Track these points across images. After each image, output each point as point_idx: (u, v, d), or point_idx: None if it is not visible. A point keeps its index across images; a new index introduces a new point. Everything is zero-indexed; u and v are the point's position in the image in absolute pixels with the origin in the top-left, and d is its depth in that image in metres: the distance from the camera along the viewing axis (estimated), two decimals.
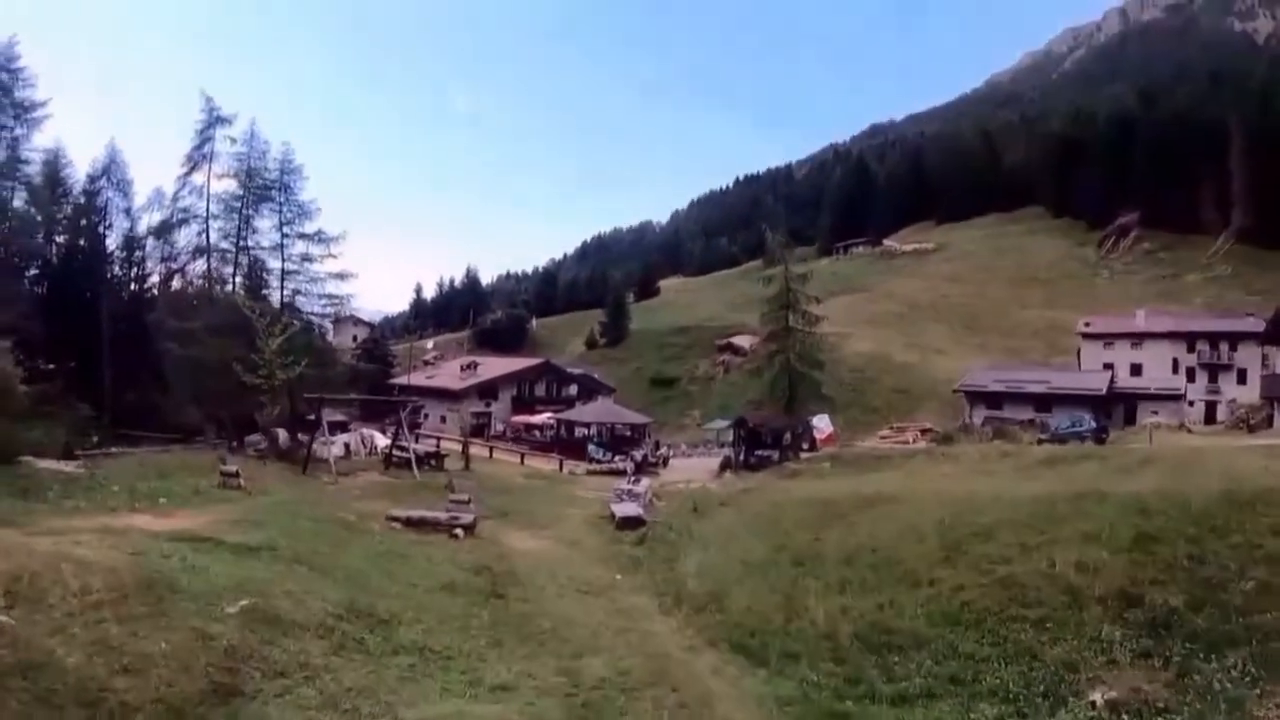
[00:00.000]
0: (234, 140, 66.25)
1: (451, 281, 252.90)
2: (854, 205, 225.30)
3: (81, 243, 70.25)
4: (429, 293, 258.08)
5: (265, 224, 67.68)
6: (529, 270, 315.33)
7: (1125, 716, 15.66)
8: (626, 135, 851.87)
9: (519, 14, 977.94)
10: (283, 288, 66.84)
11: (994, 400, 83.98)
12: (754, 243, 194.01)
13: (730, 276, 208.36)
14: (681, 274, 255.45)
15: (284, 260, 66.52)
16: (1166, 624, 17.96)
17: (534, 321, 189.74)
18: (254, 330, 54.28)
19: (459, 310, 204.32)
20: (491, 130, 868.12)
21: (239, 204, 66.65)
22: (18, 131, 63.80)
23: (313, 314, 69.55)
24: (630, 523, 40.40)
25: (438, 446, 67.26)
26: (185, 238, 68.37)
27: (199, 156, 66.42)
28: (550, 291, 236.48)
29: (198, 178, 66.87)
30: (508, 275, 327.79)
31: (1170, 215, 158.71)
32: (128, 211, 71.82)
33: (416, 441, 68.42)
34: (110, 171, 71.02)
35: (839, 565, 25.27)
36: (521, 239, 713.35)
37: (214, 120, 65.92)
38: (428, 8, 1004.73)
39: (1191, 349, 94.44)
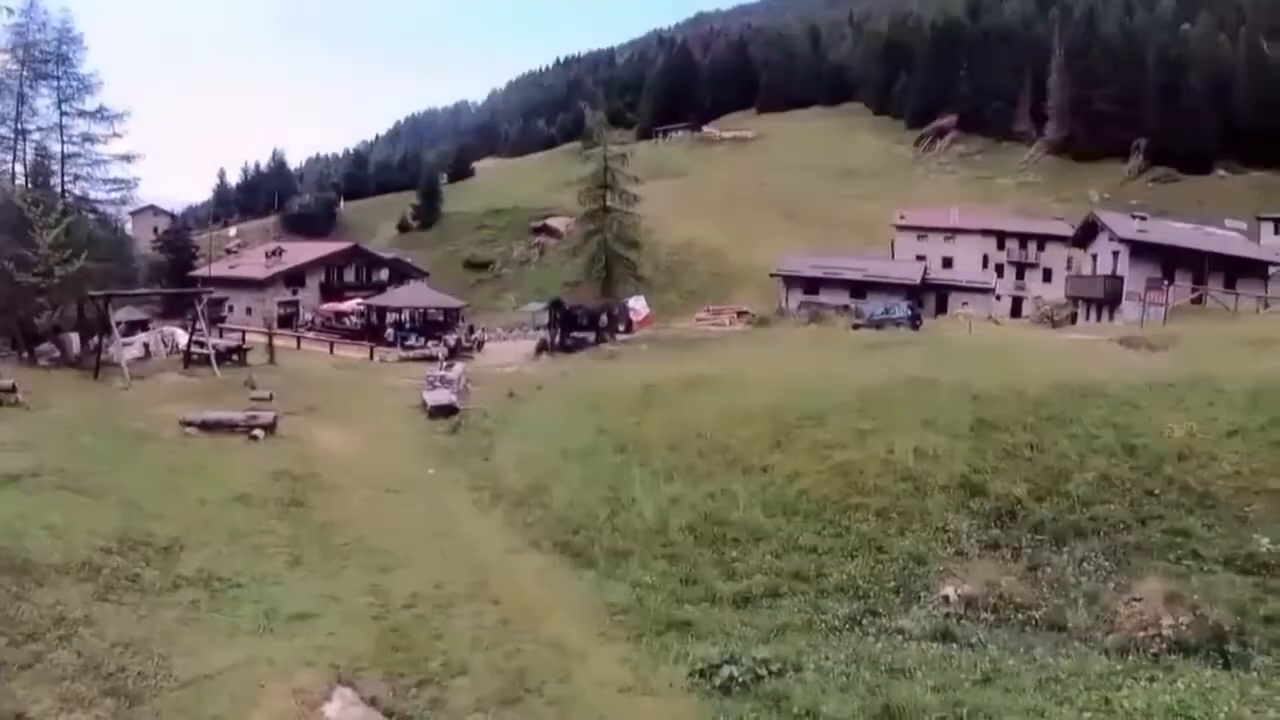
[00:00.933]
0: (11, 11, 59.70)
1: (257, 165, 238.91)
2: (676, 91, 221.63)
3: None
4: (234, 178, 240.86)
5: (45, 104, 60.92)
6: (340, 154, 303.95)
7: (983, 612, 15.00)
8: (443, 11, 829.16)
9: None
10: (63, 173, 61.02)
11: (810, 286, 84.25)
12: (572, 125, 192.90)
13: (548, 158, 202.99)
14: (498, 155, 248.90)
15: (64, 142, 60.78)
16: (1011, 514, 17.41)
17: (343, 204, 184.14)
18: (29, 223, 49.14)
19: (266, 196, 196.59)
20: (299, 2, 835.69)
21: (15, 82, 59.77)
22: None
23: (99, 201, 64.51)
24: (443, 411, 38.60)
25: (242, 340, 62.69)
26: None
27: (12, 54, 60.93)
28: (361, 174, 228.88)
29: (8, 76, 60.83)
30: (317, 158, 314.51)
31: (987, 122, 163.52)
32: None
33: (220, 336, 65.24)
34: None
35: (665, 451, 23.92)
36: (332, 121, 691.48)
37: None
38: None
39: (1001, 246, 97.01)
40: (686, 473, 22.12)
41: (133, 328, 63.53)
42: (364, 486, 26.09)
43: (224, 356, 53.66)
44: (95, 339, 49.82)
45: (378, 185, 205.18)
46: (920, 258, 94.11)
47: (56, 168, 61.65)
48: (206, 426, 31.95)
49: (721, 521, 18.98)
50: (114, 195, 65.01)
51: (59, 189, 60.45)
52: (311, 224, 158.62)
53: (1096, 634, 14.42)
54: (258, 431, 31.67)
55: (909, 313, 66.39)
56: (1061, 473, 18.55)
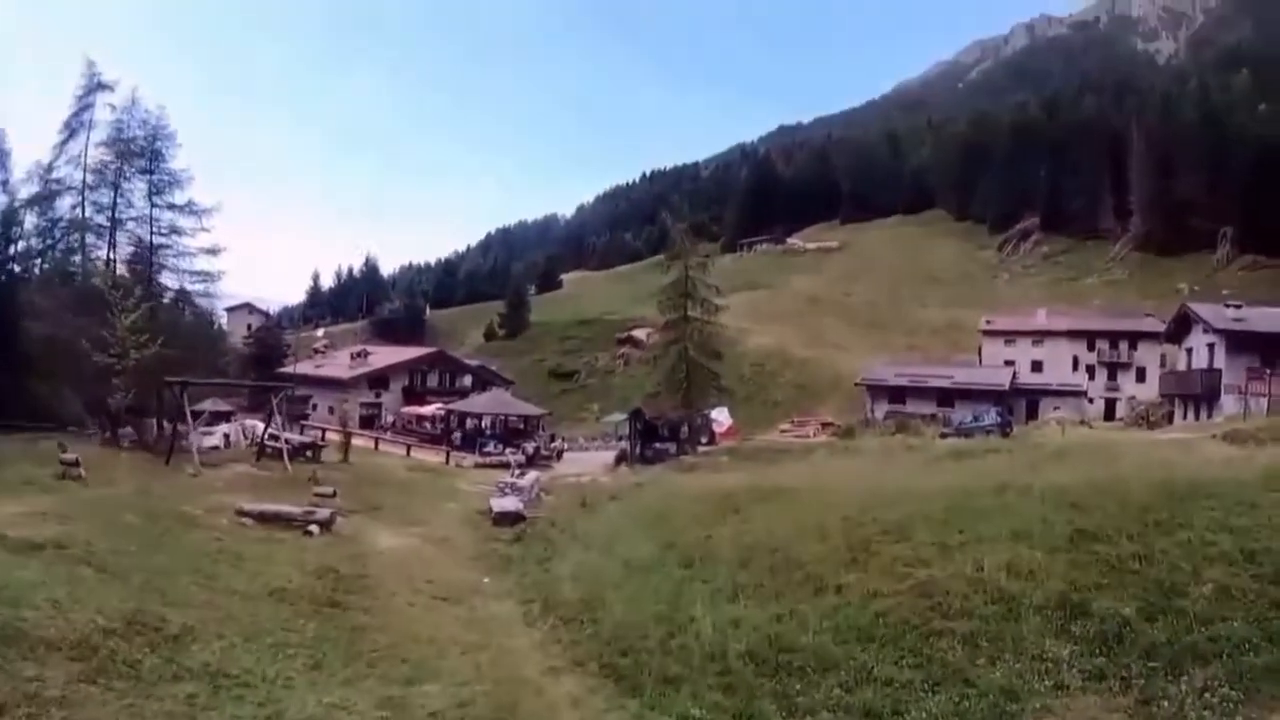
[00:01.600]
0: (114, 107, 63.89)
1: (350, 270, 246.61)
2: (759, 203, 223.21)
3: None
4: (327, 282, 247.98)
5: (139, 196, 64.08)
6: (431, 262, 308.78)
7: None
8: (536, 130, 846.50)
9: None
10: (151, 262, 62.98)
11: (896, 394, 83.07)
12: (658, 238, 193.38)
13: (633, 271, 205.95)
14: (585, 268, 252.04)
15: (153, 233, 62.83)
16: (1119, 637, 14.91)
17: (431, 312, 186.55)
18: (109, 306, 49.63)
19: (357, 300, 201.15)
20: (403, 124, 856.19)
21: (114, 175, 63.56)
22: None
23: (183, 291, 65.55)
24: (507, 518, 37.32)
25: (321, 438, 63.10)
26: (60, 211, 66.21)
27: (77, 124, 64.86)
28: (451, 282, 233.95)
29: (74, 146, 64.77)
30: (409, 266, 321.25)
31: (1070, 221, 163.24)
32: (4, 184, 66.55)
33: (301, 433, 65.00)
34: None
35: (732, 567, 22.03)
36: (426, 232, 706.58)
37: (94, 86, 64.61)
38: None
39: (1091, 347, 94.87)
40: (753, 591, 20.10)
41: (216, 418, 64.23)
42: (411, 591, 24.68)
43: (298, 452, 53.55)
44: (170, 425, 50.06)
45: (467, 294, 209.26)
46: (1008, 363, 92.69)
47: (146, 256, 63.03)
48: (263, 519, 31.28)
49: (787, 648, 16.73)
50: (198, 286, 66.77)
51: (145, 277, 61.22)
52: (399, 329, 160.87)
53: None
54: (313, 527, 30.72)
55: (998, 419, 64.48)
56: (1174, 587, 16.18)
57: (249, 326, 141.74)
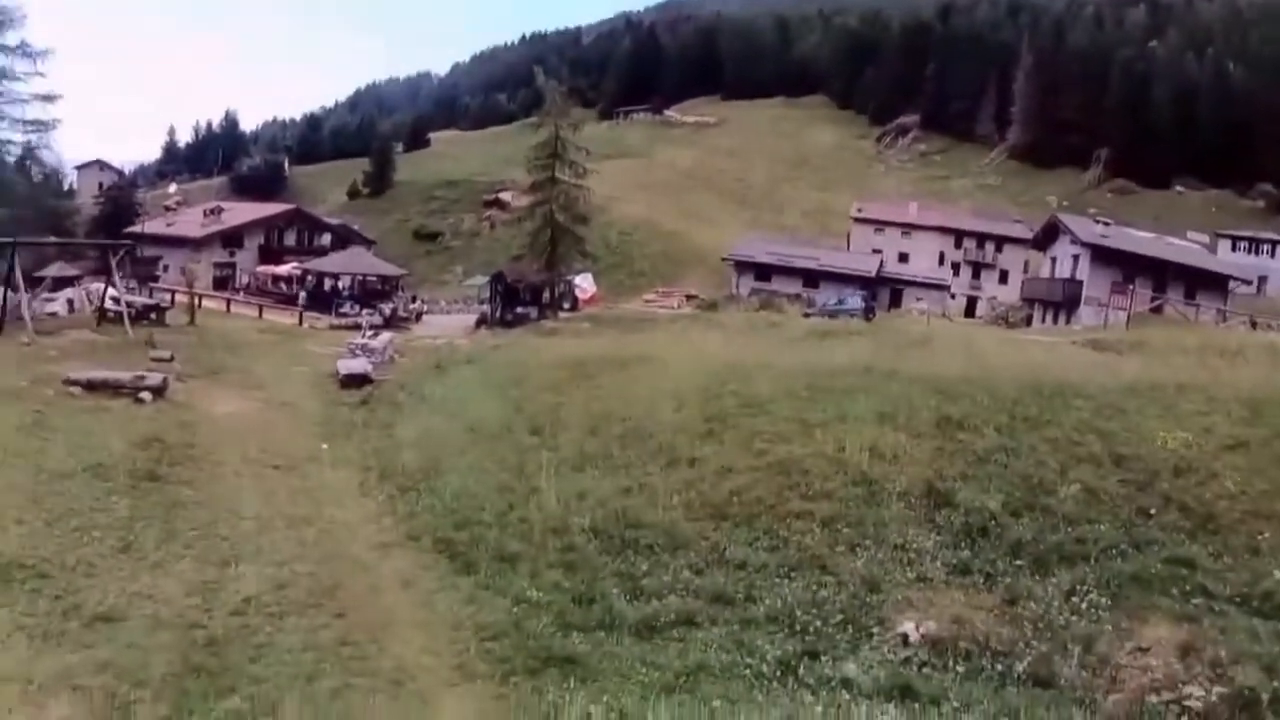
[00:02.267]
0: None
1: (209, 124, 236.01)
2: (640, 74, 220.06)
3: None
4: (184, 137, 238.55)
5: None
6: (296, 118, 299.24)
7: (951, 659, 11.91)
8: None
9: None
10: None
11: (763, 272, 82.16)
12: (534, 101, 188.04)
13: (506, 132, 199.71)
14: (456, 128, 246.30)
15: None
16: (984, 531, 14.25)
17: (293, 169, 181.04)
18: None
19: (216, 157, 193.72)
20: None
21: None
22: None
23: (12, 142, 61.32)
24: (355, 380, 35.31)
25: (171, 300, 60.51)
26: None
27: None
28: (315, 138, 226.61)
29: None
30: (274, 121, 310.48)
31: (950, 122, 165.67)
32: None
33: (150, 295, 62.30)
34: None
35: (582, 435, 20.94)
36: (292, 87, 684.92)
37: None
38: None
39: (959, 245, 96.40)
40: (602, 461, 19.01)
41: (60, 284, 61.95)
42: (242, 461, 22.98)
43: (141, 315, 50.13)
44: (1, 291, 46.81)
45: (332, 151, 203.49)
46: (876, 251, 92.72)
47: None
48: (91, 386, 28.83)
49: (635, 523, 15.65)
50: (32, 136, 61.20)
51: None
52: (259, 186, 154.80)
53: (1095, 693, 11.31)
54: (144, 394, 28.45)
55: (862, 304, 64.38)
56: (1041, 484, 15.62)
57: (100, 185, 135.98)
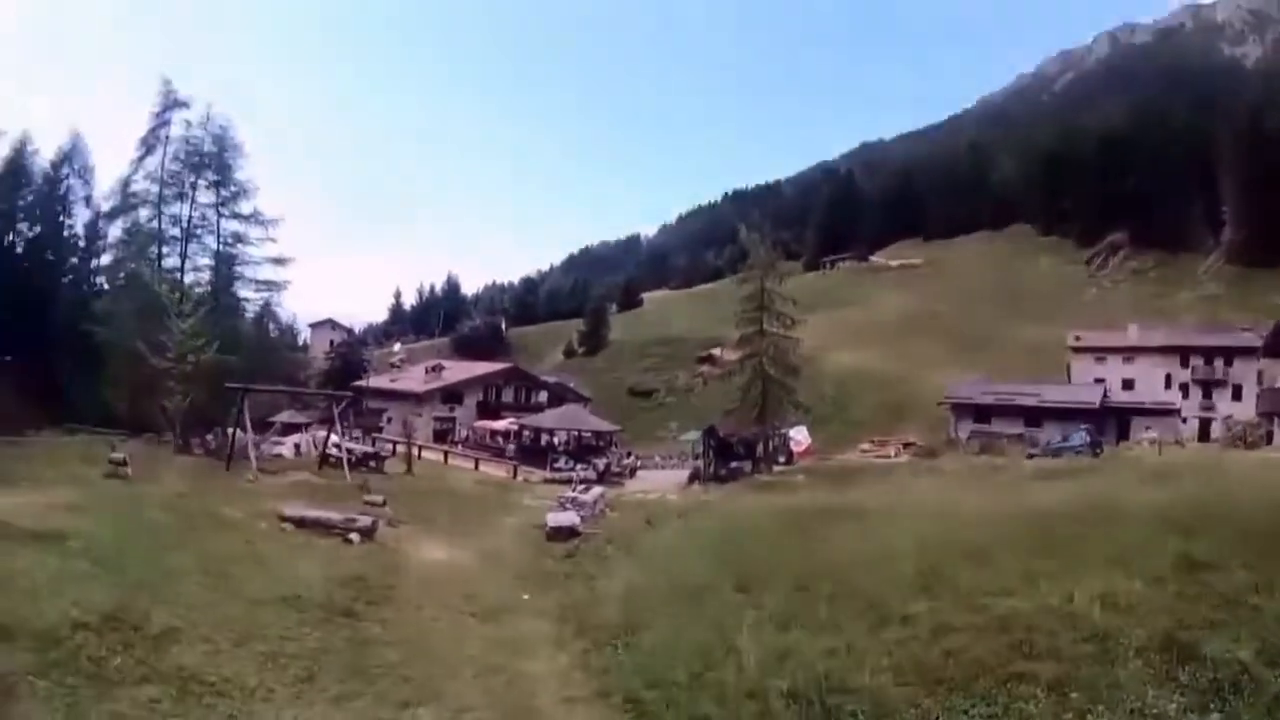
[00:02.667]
0: (189, 123, 66.16)
1: (432, 288, 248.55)
2: (841, 221, 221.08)
3: (40, 231, 72.58)
4: (409, 300, 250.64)
5: (208, 207, 66.94)
6: (514, 281, 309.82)
7: None
8: (620, 148, 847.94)
9: (514, 23, 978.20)
10: (216, 270, 66.21)
11: (982, 414, 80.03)
12: (739, 256, 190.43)
13: (714, 290, 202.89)
14: (666, 287, 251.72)
15: (219, 242, 65.91)
16: (1235, 685, 12.13)
17: (511, 330, 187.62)
18: (166, 310, 51.64)
19: (439, 319, 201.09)
20: (486, 143, 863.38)
21: (190, 189, 66.01)
22: None
23: (248, 300, 67.12)
24: (562, 533, 35.55)
25: (393, 450, 64.19)
26: (135, 222, 67.41)
27: (154, 140, 66.44)
28: (532, 300, 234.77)
29: (151, 162, 66.45)
30: (491, 285, 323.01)
31: (1160, 234, 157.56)
32: (88, 200, 74.37)
33: (374, 445, 65.50)
34: (72, 158, 74.11)
35: (789, 592, 19.63)
36: (510, 253, 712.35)
37: (170, 104, 66.26)
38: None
39: (1185, 364, 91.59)
40: (809, 620, 17.58)
41: (289, 430, 67.03)
42: (440, 606, 23.16)
43: (361, 462, 53.71)
44: (232, 432, 51.22)
45: (547, 313, 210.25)
46: (1098, 381, 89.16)
47: (203, 262, 66.93)
48: (303, 523, 30.95)
49: (838, 687, 13.99)
50: (263, 295, 70.46)
51: (214, 286, 65.06)
52: (479, 346, 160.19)
53: None
54: (354, 535, 30.03)
55: (1088, 439, 61.81)
56: None
57: (331, 342, 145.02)
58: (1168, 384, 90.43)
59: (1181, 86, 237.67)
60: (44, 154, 74.36)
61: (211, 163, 64.90)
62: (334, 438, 54.76)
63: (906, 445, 78.33)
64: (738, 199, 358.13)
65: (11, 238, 72.56)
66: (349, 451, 53.08)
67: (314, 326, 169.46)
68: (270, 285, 66.99)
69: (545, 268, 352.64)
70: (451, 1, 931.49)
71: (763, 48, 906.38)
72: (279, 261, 66.34)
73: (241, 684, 14.70)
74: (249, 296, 67.88)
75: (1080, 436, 63.77)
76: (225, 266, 66.05)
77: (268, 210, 67.29)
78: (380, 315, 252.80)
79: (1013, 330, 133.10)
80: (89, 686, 12.99)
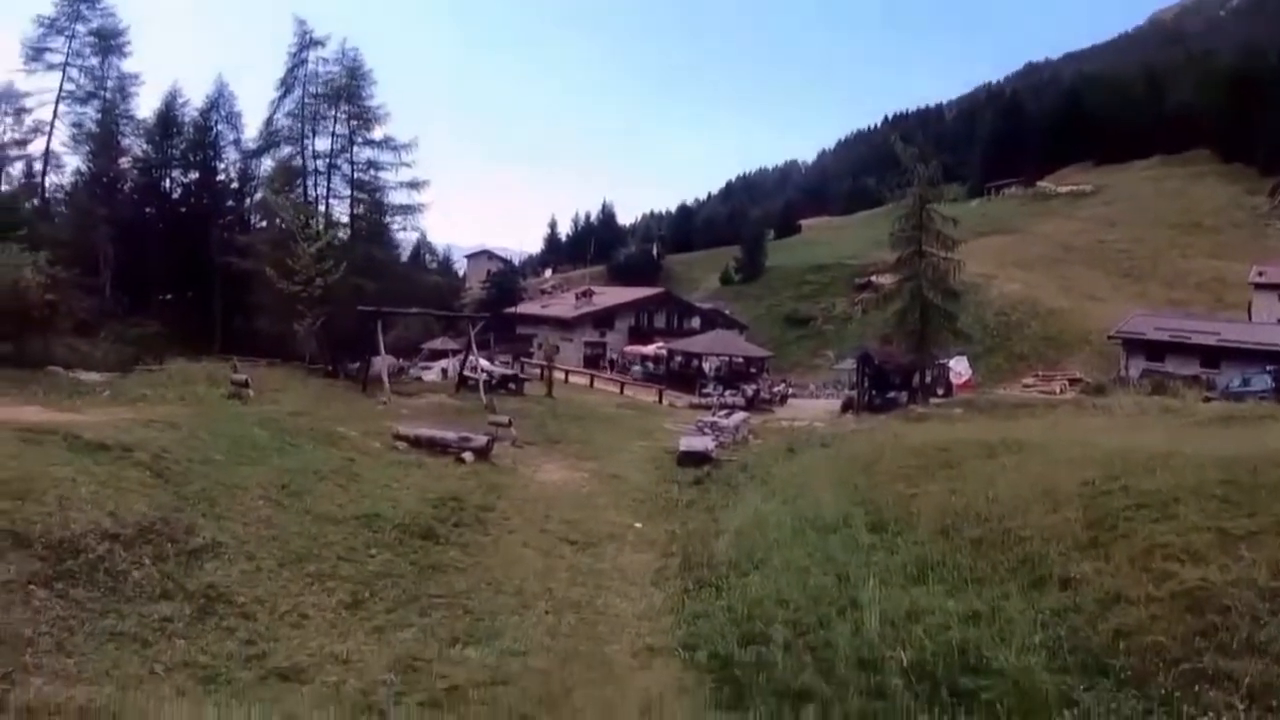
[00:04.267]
0: (327, 61, 67.48)
1: (587, 217, 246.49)
2: (1007, 145, 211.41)
3: (194, 177, 75.83)
4: (564, 230, 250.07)
5: (341, 135, 67.67)
6: (671, 209, 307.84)
7: None
8: (776, 70, 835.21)
9: None
10: (353, 195, 67.10)
11: (1155, 351, 74.42)
12: (901, 183, 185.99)
13: (875, 216, 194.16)
14: (826, 214, 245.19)
15: (353, 169, 66.59)
16: None
17: (667, 257, 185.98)
18: (292, 235, 53.15)
19: (595, 247, 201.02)
20: (634, 68, 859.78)
21: (330, 121, 67.30)
22: (92, 60, 70.66)
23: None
24: (693, 458, 33.32)
25: (542, 374, 64.34)
26: (278, 159, 70.44)
27: (291, 80, 68.26)
28: (688, 228, 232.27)
29: (289, 101, 68.52)
30: (650, 214, 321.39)
31: None
32: (236, 143, 76.73)
33: (522, 370, 66.38)
34: (219, 105, 76.52)
35: (929, 536, 17.05)
36: (665, 179, 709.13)
37: (306, 43, 67.65)
38: None
39: None
40: (949, 571, 14.92)
41: (438, 356, 69.18)
42: (538, 531, 21.65)
43: (500, 385, 54.27)
44: (404, 361, 56.29)
45: (704, 240, 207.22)
46: None
47: (342, 189, 67.35)
48: (417, 442, 30.65)
49: (975, 666, 11.21)
50: (398, 219, 70.29)
51: (349, 212, 67.62)
52: (635, 274, 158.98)
53: None
54: (467, 454, 29.58)
55: (1272, 383, 57.33)
56: None
57: (488, 273, 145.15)
58: None
59: None
60: (194, 102, 77.07)
61: (344, 93, 65.92)
62: (471, 360, 54.45)
63: (1073, 381, 74.48)
64: (898, 123, 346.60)
65: (167, 185, 76.18)
66: (487, 374, 53.29)
67: (470, 257, 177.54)
68: (407, 209, 68.11)
69: (702, 196, 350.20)
70: None
71: None
72: (414, 185, 66.68)
73: (273, 606, 13.52)
74: (385, 221, 69.39)
75: (1264, 380, 58.18)
76: (360, 192, 66.84)
77: (401, 135, 68.30)
78: (535, 247, 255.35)
79: (1186, 263, 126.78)
80: (97, 600, 12.06)
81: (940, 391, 63.43)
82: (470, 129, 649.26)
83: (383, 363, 49.92)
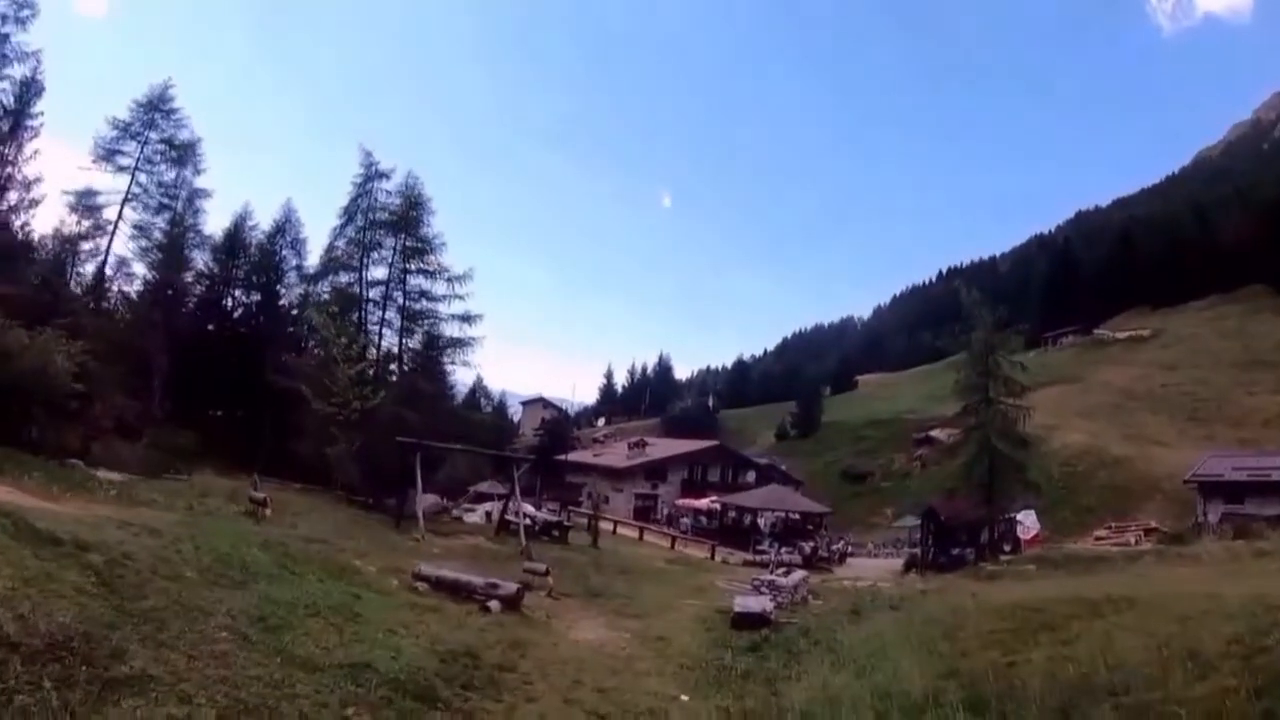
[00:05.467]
0: (389, 193, 68.50)
1: (643, 369, 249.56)
2: (1061, 294, 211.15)
3: (256, 299, 77.80)
4: (621, 380, 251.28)
5: (396, 264, 68.47)
6: (727, 365, 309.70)
7: None
8: (830, 229, 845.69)
9: (728, 116, 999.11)
10: (403, 325, 67.11)
11: (1233, 493, 70.69)
12: (957, 334, 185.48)
13: (933, 371, 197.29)
14: (882, 369, 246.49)
15: (405, 297, 66.83)
16: None
17: (724, 412, 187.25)
18: (332, 355, 53.74)
19: (650, 399, 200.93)
20: (690, 226, 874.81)
21: (387, 252, 68.01)
22: (162, 167, 71.68)
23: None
24: (749, 620, 30.06)
25: (589, 524, 62.33)
26: (334, 285, 71.20)
27: (355, 209, 69.50)
28: (743, 383, 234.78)
29: (351, 229, 69.69)
30: (706, 369, 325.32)
31: None
32: (299, 269, 78.65)
33: (568, 519, 64.75)
34: (285, 229, 78.64)
35: (1049, 714, 13.50)
36: (721, 338, 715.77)
37: (372, 175, 69.06)
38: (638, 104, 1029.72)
39: None
40: None
41: (482, 499, 68.03)
42: (565, 702, 18.00)
43: (543, 531, 52.93)
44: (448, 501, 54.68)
45: (759, 395, 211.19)
46: None
47: (394, 319, 67.66)
48: (440, 585, 28.07)
49: None
50: (449, 354, 69.80)
51: (397, 342, 68.10)
52: (690, 427, 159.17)
53: None
54: (494, 603, 26.56)
55: None
56: None
57: (542, 420, 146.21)
58: None
59: None
60: (262, 225, 79.49)
61: (403, 222, 66.11)
62: (514, 504, 52.99)
63: (1148, 532, 70.77)
64: (952, 277, 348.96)
65: (229, 303, 77.98)
66: (530, 519, 51.64)
67: (526, 404, 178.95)
68: (458, 343, 67.48)
69: (758, 353, 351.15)
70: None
71: (968, 116, 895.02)
72: (466, 319, 66.26)
73: None
74: (433, 354, 68.72)
75: None
76: (409, 321, 66.76)
77: (455, 266, 68.47)
78: (593, 398, 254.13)
79: (1252, 400, 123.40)
80: None
81: (1008, 548, 60.66)
82: (528, 281, 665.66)
83: (419, 497, 48.05)
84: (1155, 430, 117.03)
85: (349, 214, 69.78)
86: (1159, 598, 20.63)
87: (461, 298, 66.58)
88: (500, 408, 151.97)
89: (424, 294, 66.73)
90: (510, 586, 27.75)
